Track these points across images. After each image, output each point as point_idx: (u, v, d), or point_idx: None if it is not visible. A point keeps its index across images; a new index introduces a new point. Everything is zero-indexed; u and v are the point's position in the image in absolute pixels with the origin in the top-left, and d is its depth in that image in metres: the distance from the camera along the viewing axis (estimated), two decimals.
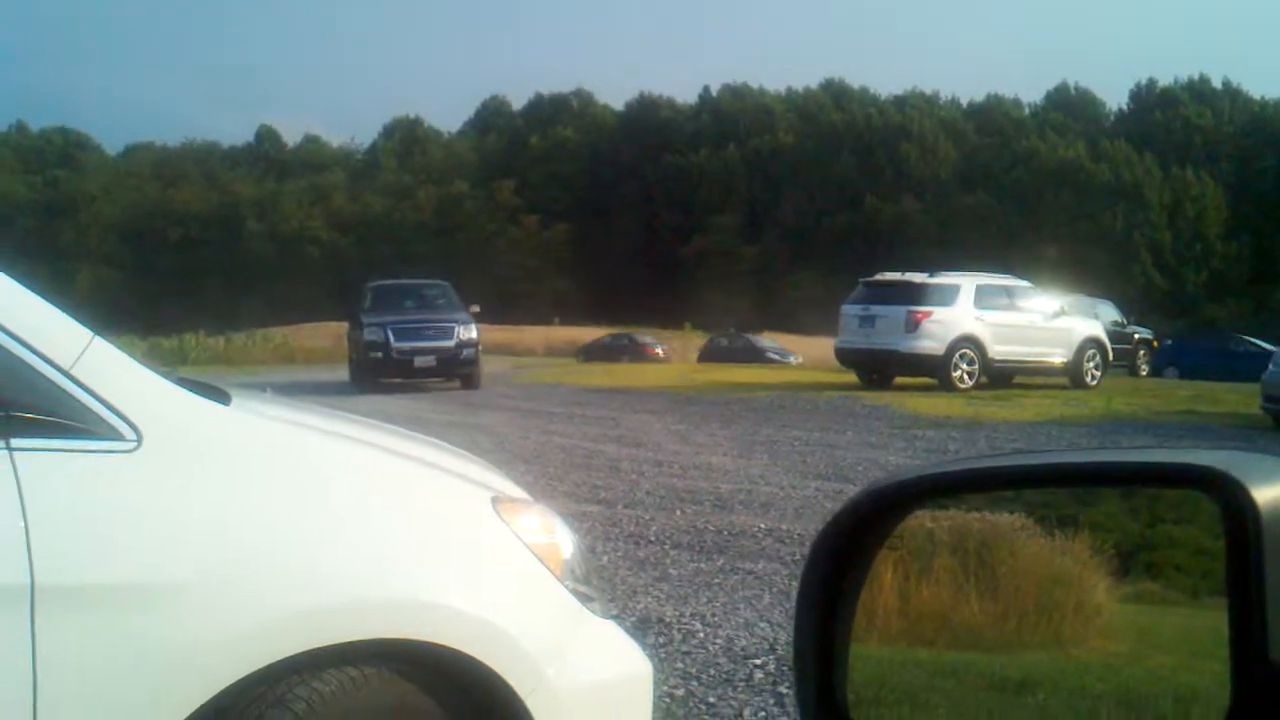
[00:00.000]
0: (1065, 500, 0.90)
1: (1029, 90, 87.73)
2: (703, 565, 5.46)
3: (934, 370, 15.28)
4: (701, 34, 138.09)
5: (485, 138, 77.55)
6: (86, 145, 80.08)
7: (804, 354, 31.30)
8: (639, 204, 67.09)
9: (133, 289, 58.44)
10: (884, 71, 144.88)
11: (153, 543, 1.79)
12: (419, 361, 16.93)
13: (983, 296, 15.60)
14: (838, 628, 0.91)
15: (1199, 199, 55.83)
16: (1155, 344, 23.38)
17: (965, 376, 15.23)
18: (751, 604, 4.72)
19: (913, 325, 15.11)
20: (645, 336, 36.63)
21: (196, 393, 2.02)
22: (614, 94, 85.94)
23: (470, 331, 17.29)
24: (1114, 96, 70.63)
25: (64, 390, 1.79)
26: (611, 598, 4.38)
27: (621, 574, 5.25)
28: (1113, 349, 17.48)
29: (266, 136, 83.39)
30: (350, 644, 1.90)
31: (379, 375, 17.11)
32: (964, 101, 71.75)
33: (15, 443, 1.73)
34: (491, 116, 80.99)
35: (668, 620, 4.46)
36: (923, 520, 0.94)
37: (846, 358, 16.69)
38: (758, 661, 3.92)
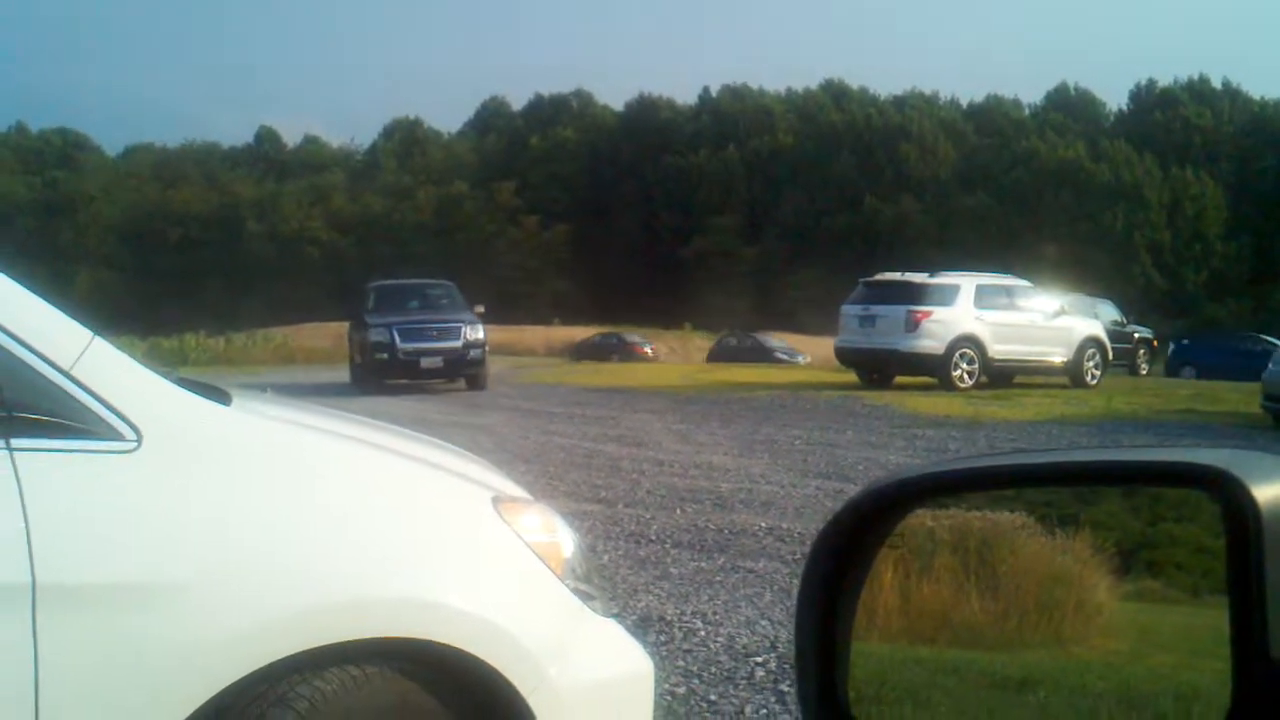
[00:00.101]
0: (1066, 499, 0.90)
1: (1029, 90, 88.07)
2: (703, 564, 5.46)
3: (934, 370, 15.29)
4: (701, 34, 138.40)
5: (485, 138, 77.56)
6: (86, 146, 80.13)
7: (809, 354, 31.36)
8: (639, 204, 67.09)
9: (132, 289, 58.42)
10: (883, 72, 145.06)
11: (153, 542, 1.79)
12: (425, 363, 16.70)
13: (983, 296, 15.60)
14: (839, 626, 0.92)
15: (1199, 199, 55.84)
16: (1155, 343, 23.34)
17: (965, 376, 15.23)
18: (752, 602, 4.72)
19: (913, 325, 15.11)
20: (634, 336, 37.14)
21: (197, 393, 2.02)
22: (614, 94, 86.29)
23: (477, 332, 17.11)
24: (1114, 97, 70.86)
25: (64, 391, 1.79)
26: (612, 596, 4.37)
27: (622, 573, 5.25)
28: (1113, 348, 17.49)
29: (266, 137, 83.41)
30: (352, 643, 1.90)
31: (385, 376, 16.85)
32: (964, 102, 71.99)
33: (16, 443, 1.73)
34: (491, 117, 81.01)
35: (669, 618, 4.46)
36: (923, 519, 0.94)
37: (847, 357, 16.70)
38: (759, 659, 3.93)
